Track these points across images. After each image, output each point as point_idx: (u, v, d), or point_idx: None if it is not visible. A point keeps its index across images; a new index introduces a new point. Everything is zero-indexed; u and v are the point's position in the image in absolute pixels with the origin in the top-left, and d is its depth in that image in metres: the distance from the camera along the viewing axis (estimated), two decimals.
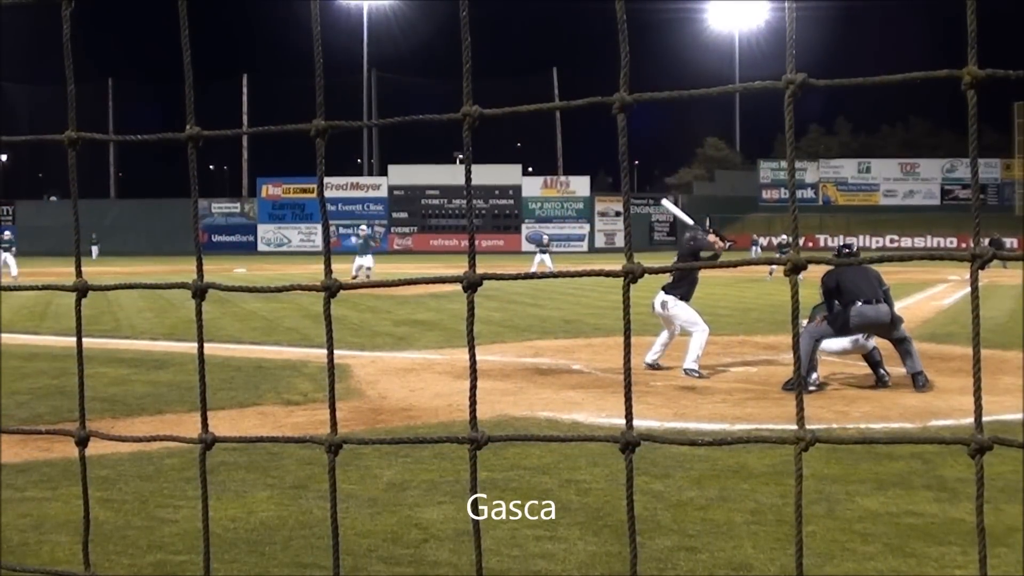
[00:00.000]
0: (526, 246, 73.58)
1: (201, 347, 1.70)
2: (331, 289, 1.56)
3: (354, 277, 31.93)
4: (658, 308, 12.50)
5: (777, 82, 1.33)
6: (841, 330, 11.01)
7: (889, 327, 11.11)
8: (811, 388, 10.88)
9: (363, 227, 38.33)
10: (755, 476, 7.25)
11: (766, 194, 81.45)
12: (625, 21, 1.39)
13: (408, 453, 7.91)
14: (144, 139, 1.79)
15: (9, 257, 37.03)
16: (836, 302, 11.09)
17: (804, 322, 11.50)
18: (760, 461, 7.62)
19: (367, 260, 33.46)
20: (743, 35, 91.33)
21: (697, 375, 12.00)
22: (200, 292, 1.64)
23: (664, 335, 12.70)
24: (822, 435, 1.35)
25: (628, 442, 1.42)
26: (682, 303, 12.44)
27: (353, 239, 36.89)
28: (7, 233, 40.23)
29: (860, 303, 10.93)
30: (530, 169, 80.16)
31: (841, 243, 13.01)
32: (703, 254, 12.62)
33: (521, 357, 14.09)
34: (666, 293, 12.49)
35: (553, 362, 13.60)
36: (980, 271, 1.33)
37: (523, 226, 74.34)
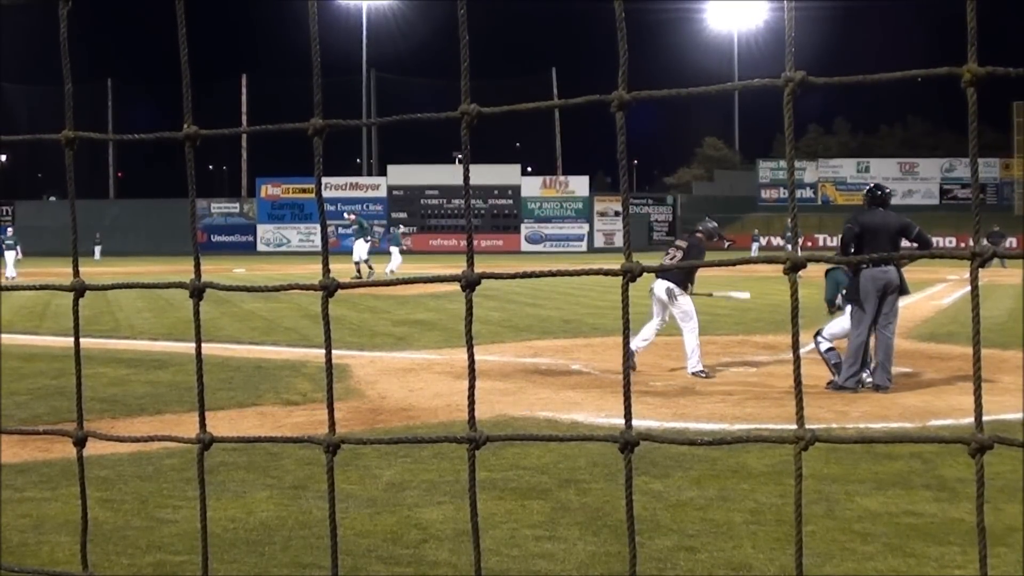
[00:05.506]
0: (524, 246, 73.64)
1: (199, 346, 1.69)
2: (329, 288, 1.55)
3: (355, 276, 30.20)
4: (662, 294, 12.38)
5: (776, 80, 1.33)
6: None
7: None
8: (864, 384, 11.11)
9: (350, 214, 36.08)
10: (754, 476, 7.24)
11: (765, 194, 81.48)
12: (624, 19, 1.38)
13: (407, 453, 7.91)
14: (141, 138, 1.79)
15: (10, 256, 36.86)
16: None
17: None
18: (759, 461, 7.62)
19: (363, 251, 31.05)
20: (742, 35, 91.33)
21: (705, 375, 12.01)
22: (198, 292, 1.64)
23: (652, 326, 12.58)
24: (822, 434, 1.35)
25: (627, 441, 1.41)
26: (686, 295, 12.42)
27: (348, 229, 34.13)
28: (9, 230, 40.08)
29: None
30: (529, 169, 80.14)
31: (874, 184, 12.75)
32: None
33: (520, 357, 14.09)
34: (672, 282, 12.37)
35: (552, 362, 13.60)
36: (980, 269, 1.32)
37: (522, 226, 74.34)
